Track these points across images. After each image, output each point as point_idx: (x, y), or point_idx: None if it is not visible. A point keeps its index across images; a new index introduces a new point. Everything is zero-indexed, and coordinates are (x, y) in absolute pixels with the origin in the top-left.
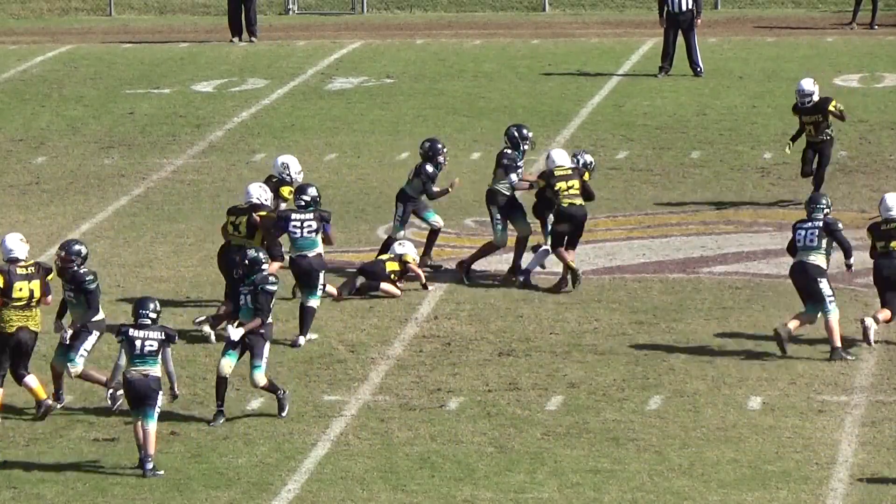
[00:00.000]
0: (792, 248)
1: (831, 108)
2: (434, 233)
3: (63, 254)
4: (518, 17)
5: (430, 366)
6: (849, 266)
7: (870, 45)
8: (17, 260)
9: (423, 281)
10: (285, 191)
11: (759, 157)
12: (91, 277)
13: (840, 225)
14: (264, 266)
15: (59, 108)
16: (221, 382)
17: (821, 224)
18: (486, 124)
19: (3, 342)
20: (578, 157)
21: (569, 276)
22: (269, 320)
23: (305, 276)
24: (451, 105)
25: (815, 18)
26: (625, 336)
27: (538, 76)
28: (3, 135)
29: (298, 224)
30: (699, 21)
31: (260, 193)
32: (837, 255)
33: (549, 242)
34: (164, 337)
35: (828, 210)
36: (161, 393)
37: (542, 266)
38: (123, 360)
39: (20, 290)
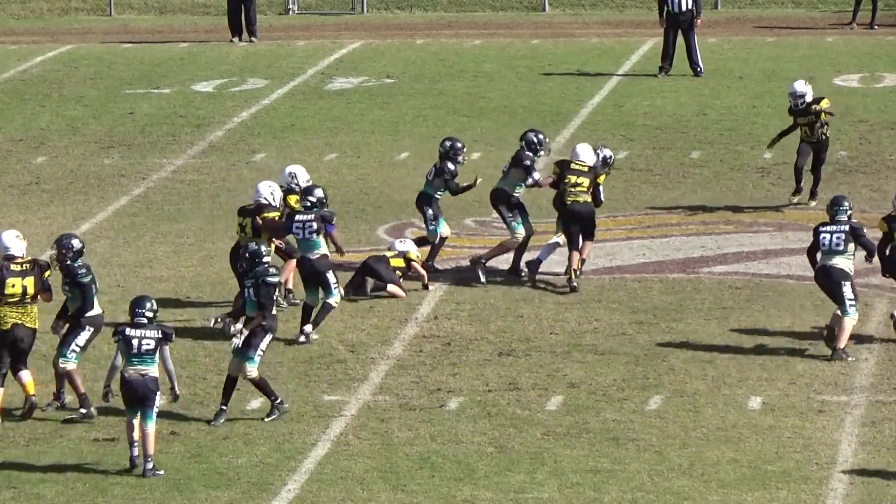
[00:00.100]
0: (812, 252)
1: (818, 107)
2: (441, 240)
3: (56, 247)
4: (518, 17)
5: (430, 366)
6: (869, 261)
7: (870, 45)
8: (13, 257)
9: (426, 281)
10: (293, 200)
11: (759, 157)
12: (84, 271)
13: (865, 230)
14: (265, 259)
15: (59, 108)
16: (230, 382)
17: (847, 228)
18: (486, 124)
19: (0, 340)
20: (599, 150)
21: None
22: (274, 312)
23: (313, 278)
24: (451, 105)
25: (815, 18)
26: (625, 336)
27: (538, 76)
28: (3, 135)
29: (300, 225)
30: (699, 21)
31: (269, 192)
32: (857, 254)
33: (559, 234)
34: (160, 335)
35: (850, 212)
36: (159, 394)
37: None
38: (120, 361)
39: (12, 286)
